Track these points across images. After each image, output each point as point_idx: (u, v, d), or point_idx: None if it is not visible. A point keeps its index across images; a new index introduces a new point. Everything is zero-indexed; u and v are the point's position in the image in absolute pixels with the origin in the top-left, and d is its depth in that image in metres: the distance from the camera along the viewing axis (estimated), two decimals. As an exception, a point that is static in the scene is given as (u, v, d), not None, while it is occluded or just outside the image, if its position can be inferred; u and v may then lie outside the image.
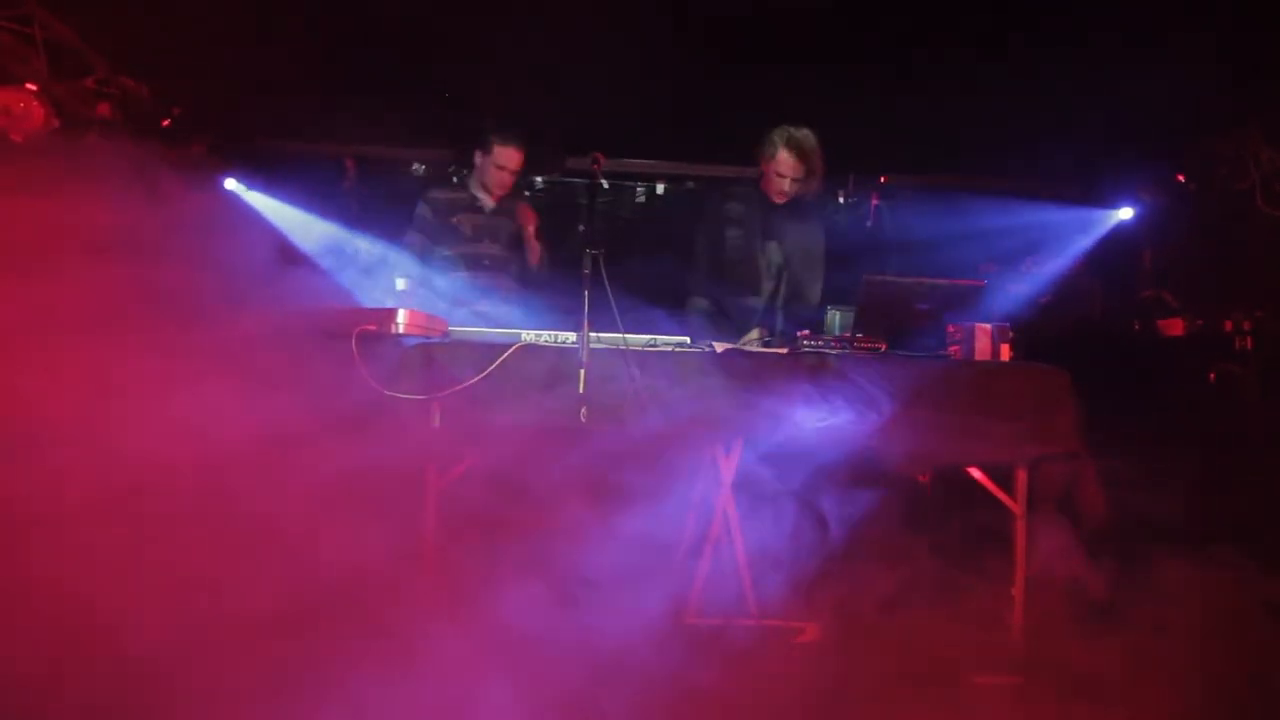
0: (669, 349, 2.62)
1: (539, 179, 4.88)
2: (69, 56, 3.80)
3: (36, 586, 2.13)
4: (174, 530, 2.32)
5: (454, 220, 3.64)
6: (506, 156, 3.52)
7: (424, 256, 3.62)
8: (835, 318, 3.16)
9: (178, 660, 2.12)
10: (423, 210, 3.66)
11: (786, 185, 3.35)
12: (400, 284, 3.28)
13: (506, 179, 3.59)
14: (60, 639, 2.09)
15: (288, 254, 4.74)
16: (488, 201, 3.68)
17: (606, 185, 2.85)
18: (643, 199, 5.15)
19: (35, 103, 3.59)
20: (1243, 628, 2.66)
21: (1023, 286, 5.14)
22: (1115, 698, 2.41)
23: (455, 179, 3.79)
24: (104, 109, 3.98)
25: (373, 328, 2.40)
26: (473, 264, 3.61)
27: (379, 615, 2.42)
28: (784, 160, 3.32)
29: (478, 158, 3.62)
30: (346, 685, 2.18)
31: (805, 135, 3.34)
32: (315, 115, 4.53)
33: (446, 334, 2.66)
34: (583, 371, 2.39)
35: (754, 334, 3.35)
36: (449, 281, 3.56)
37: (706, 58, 3.96)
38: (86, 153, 3.84)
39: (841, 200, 5.25)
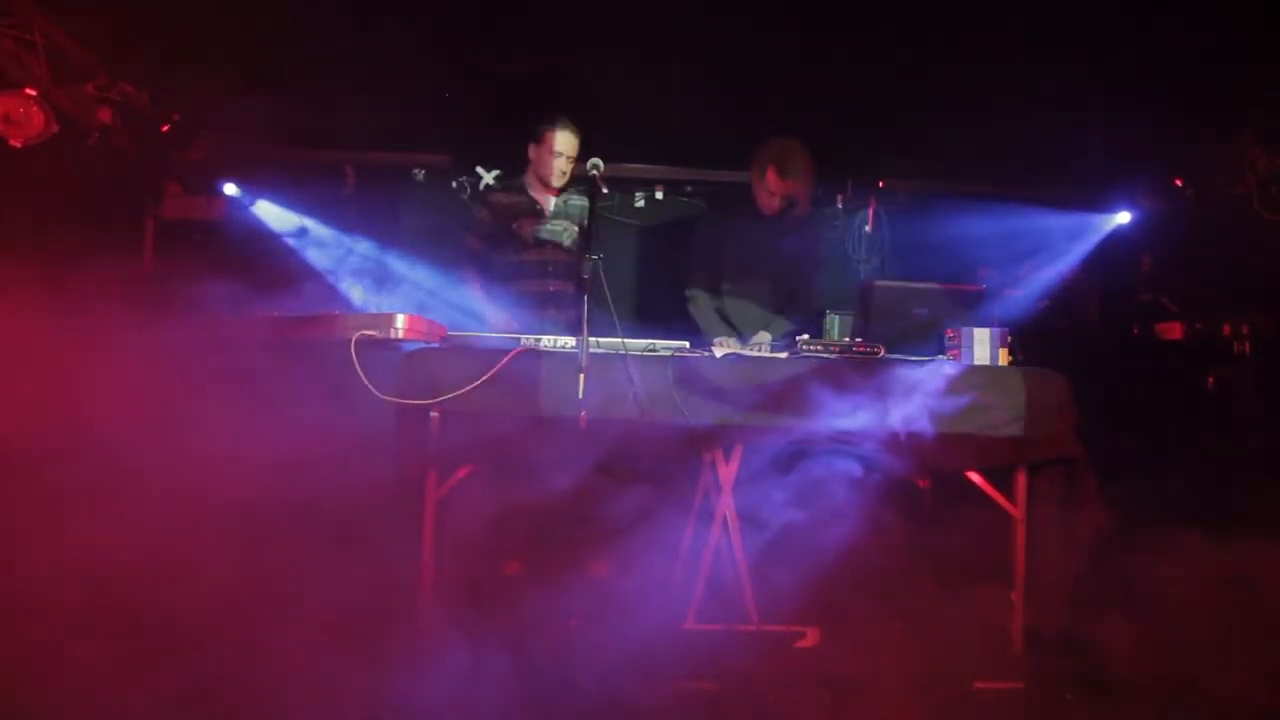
0: (668, 353, 2.62)
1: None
2: (70, 62, 3.81)
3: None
4: (171, 530, 2.33)
5: (514, 225, 3.46)
6: (563, 142, 3.35)
7: (483, 263, 3.49)
8: (834, 322, 3.16)
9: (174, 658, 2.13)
10: (481, 214, 3.52)
11: (777, 202, 3.36)
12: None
13: (564, 166, 3.39)
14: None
15: (288, 259, 4.75)
16: (548, 204, 3.52)
17: (606, 190, 2.84)
18: (641, 204, 5.16)
19: (35, 108, 3.60)
20: (1239, 631, 2.66)
21: (1021, 291, 5.15)
22: (1115, 703, 2.42)
23: (510, 182, 3.59)
24: (104, 114, 3.98)
25: (372, 333, 2.40)
26: (538, 271, 3.46)
27: (377, 618, 2.43)
28: (772, 179, 3.32)
29: (531, 152, 3.45)
30: (343, 687, 2.18)
31: (795, 155, 3.30)
32: (315, 121, 4.54)
33: (445, 339, 2.66)
34: (582, 376, 2.39)
35: (763, 337, 3.35)
36: (514, 290, 3.46)
37: (704, 61, 3.97)
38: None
39: (840, 205, 5.26)
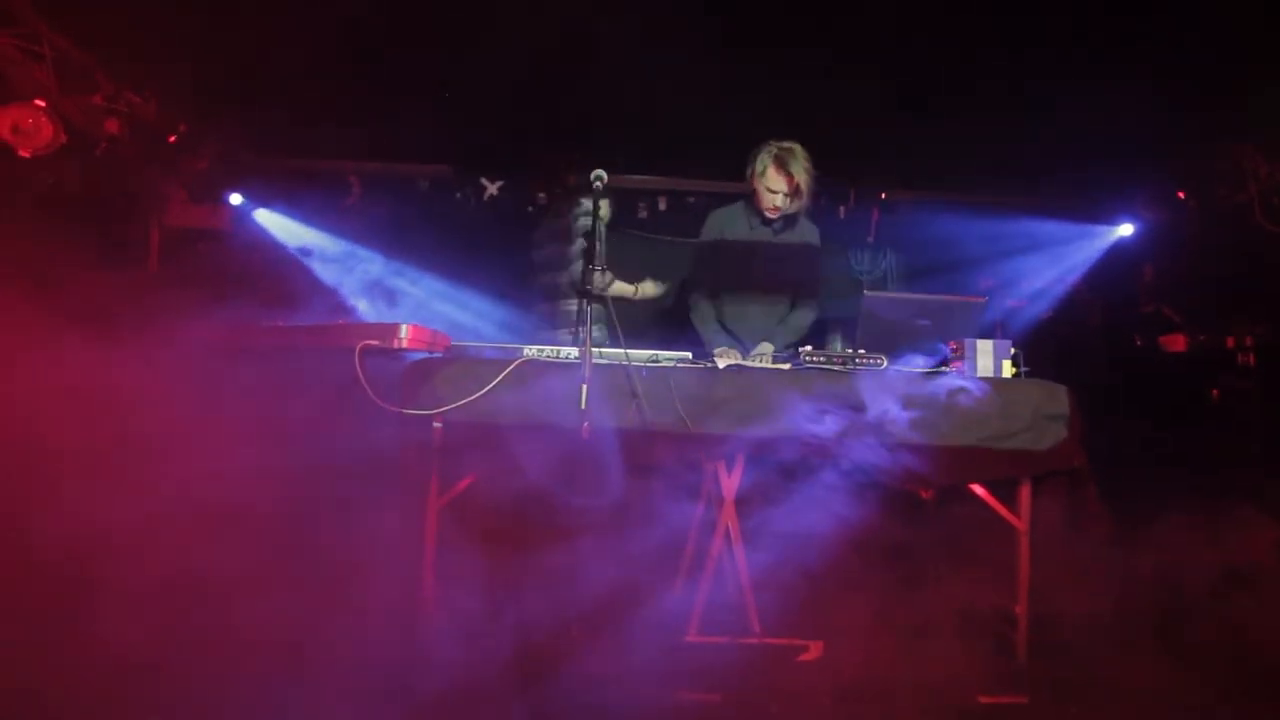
0: (671, 364, 2.62)
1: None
2: (77, 73, 3.84)
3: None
4: (174, 537, 2.33)
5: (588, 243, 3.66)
6: None
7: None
8: (837, 333, 3.16)
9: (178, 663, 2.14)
10: (582, 226, 3.59)
11: (779, 200, 3.36)
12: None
13: None
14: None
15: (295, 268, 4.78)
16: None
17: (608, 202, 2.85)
18: (644, 214, 5.19)
19: (44, 119, 3.62)
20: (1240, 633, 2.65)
21: (1024, 303, 5.15)
22: (1118, 710, 2.41)
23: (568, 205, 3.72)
24: (112, 125, 4.01)
25: (375, 343, 2.41)
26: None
27: (381, 627, 2.43)
28: (772, 176, 3.32)
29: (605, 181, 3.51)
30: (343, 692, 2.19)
31: (792, 150, 3.32)
32: (321, 131, 4.56)
33: (449, 349, 2.66)
34: (584, 387, 2.39)
35: (765, 348, 3.36)
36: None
37: (706, 73, 3.99)
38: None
39: (843, 216, 5.28)
